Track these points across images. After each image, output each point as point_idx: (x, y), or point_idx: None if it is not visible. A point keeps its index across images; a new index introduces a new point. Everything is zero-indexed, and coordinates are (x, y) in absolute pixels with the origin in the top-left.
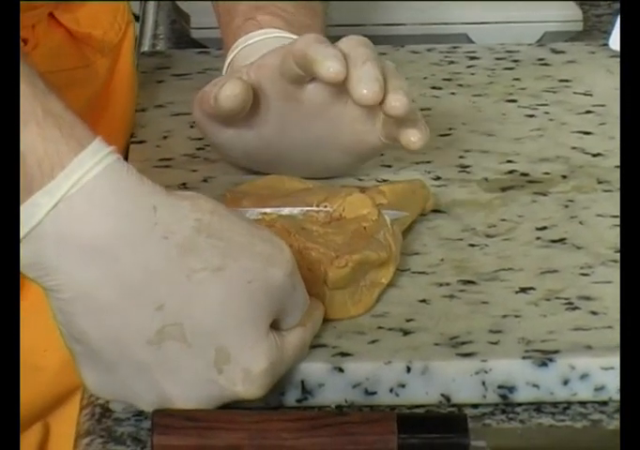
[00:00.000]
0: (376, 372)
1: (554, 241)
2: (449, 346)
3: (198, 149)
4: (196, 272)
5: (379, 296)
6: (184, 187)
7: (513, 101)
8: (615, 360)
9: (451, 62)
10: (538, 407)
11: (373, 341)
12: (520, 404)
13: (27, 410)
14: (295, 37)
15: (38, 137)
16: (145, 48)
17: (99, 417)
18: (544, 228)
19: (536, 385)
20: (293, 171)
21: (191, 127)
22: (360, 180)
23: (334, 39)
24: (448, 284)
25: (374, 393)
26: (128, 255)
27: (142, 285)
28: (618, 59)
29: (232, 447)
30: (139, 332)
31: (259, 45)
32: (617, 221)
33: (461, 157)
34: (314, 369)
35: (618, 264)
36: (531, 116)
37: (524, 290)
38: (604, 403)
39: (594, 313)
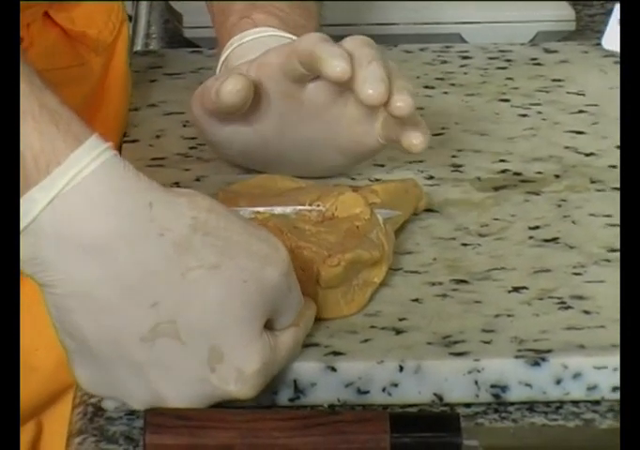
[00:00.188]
0: (369, 371)
1: (546, 240)
2: (442, 345)
3: (191, 148)
4: (191, 270)
5: (372, 295)
6: (176, 186)
7: (506, 101)
8: (607, 359)
9: (444, 61)
10: (530, 406)
11: (366, 340)
12: (512, 403)
13: (21, 408)
14: (289, 35)
15: (35, 132)
16: (138, 47)
17: (91, 416)
18: (537, 227)
19: (528, 385)
20: (290, 170)
21: (184, 126)
22: (353, 179)
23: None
24: (440, 283)
25: (367, 392)
26: (123, 252)
27: (137, 282)
28: (611, 59)
29: (224, 446)
30: (133, 329)
31: (254, 43)
32: (610, 221)
33: (453, 156)
34: (307, 369)
35: (611, 264)
36: (524, 116)
37: (516, 289)
38: (597, 402)
39: (587, 312)
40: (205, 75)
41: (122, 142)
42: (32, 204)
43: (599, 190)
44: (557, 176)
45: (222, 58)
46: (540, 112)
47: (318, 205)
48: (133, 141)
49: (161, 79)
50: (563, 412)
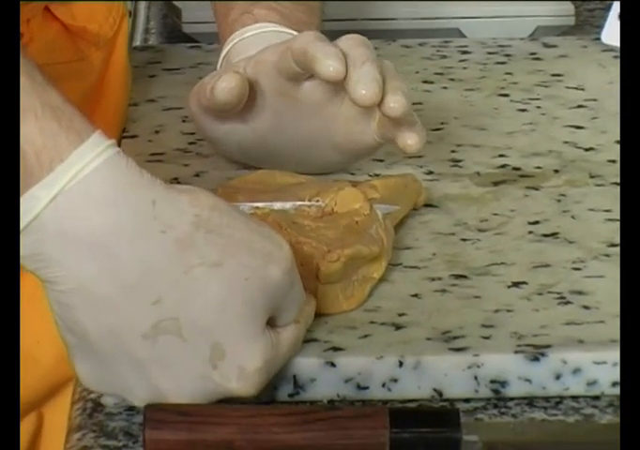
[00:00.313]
0: (368, 367)
1: (546, 235)
2: (442, 340)
3: (190, 144)
4: (193, 267)
5: (371, 291)
6: (175, 181)
7: (505, 96)
8: (607, 354)
9: (443, 56)
10: (530, 401)
11: (365, 336)
12: (512, 399)
13: (21, 400)
14: (291, 31)
15: (37, 129)
16: (137, 42)
17: (90, 412)
18: (536, 222)
19: (528, 380)
20: (287, 166)
21: (183, 121)
22: (352, 174)
23: (327, 33)
24: (440, 279)
25: (367, 387)
26: (125, 249)
27: (139, 279)
28: (611, 53)
29: (224, 442)
30: (135, 326)
31: (255, 39)
32: (610, 215)
33: (453, 151)
34: (306, 364)
35: (610, 259)
36: (523, 111)
37: (516, 284)
38: (597, 398)
39: (586, 308)
40: (204, 70)
41: (121, 138)
42: (35, 201)
43: (598, 185)
44: (557, 171)
45: (223, 53)
46: (539, 107)
47: (317, 201)
48: (132, 136)
49: (160, 74)
50: (563, 407)
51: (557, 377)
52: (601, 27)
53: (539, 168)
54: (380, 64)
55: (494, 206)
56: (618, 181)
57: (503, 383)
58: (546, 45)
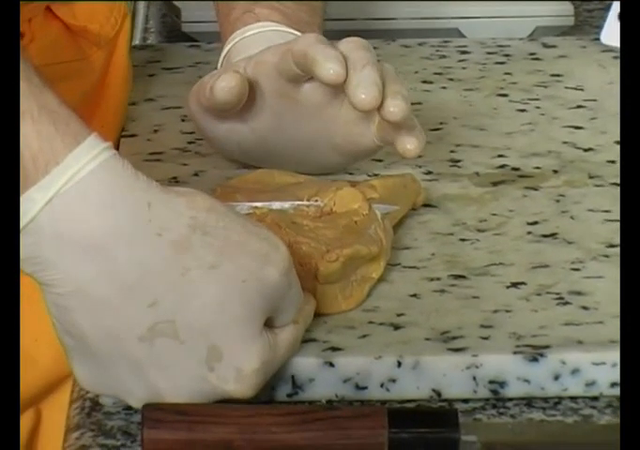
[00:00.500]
0: (367, 367)
1: (545, 236)
2: (440, 341)
3: (189, 143)
4: (190, 270)
5: (370, 291)
6: (175, 181)
7: (504, 96)
8: (606, 355)
9: (442, 56)
10: (529, 402)
11: (364, 336)
12: (511, 399)
13: (20, 397)
14: (292, 31)
15: (33, 133)
16: (136, 42)
17: (89, 411)
18: (535, 223)
19: (527, 380)
20: (287, 166)
21: (183, 120)
22: (351, 174)
23: (328, 33)
24: (438, 279)
25: (365, 388)
26: (122, 252)
27: (135, 281)
28: (610, 54)
29: (222, 441)
30: (131, 328)
31: (256, 37)
32: (609, 216)
33: (452, 151)
34: (305, 364)
35: (609, 259)
36: (522, 111)
37: (515, 285)
38: (595, 398)
39: (585, 308)
40: (203, 70)
41: (120, 136)
42: (31, 204)
43: (597, 186)
44: (556, 171)
45: (224, 52)
46: (538, 107)
47: (316, 200)
48: (131, 135)
49: (160, 73)
50: (561, 407)
51: (556, 377)
52: (600, 27)
53: (538, 168)
54: (380, 67)
55: (493, 206)
56: (618, 181)
57: (502, 384)
58: (545, 45)
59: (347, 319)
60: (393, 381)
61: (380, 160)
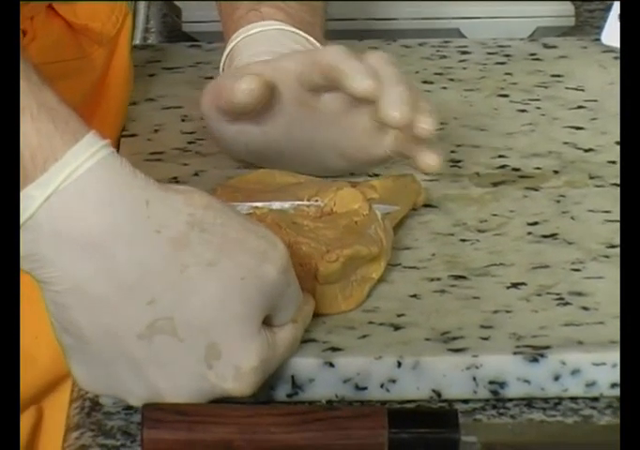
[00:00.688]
0: (367, 367)
1: (545, 236)
2: (440, 341)
3: (189, 143)
4: (188, 267)
5: (370, 291)
6: (175, 180)
7: (505, 96)
8: (606, 356)
9: (443, 56)
10: (529, 402)
11: (364, 336)
12: (511, 399)
13: (21, 395)
14: (295, 30)
15: (32, 130)
16: (137, 41)
17: (88, 411)
18: (536, 223)
19: (527, 381)
20: (290, 168)
21: (183, 120)
22: (351, 174)
23: (327, 33)
24: (439, 279)
25: (365, 388)
26: (120, 249)
27: (133, 279)
28: (611, 54)
29: (222, 441)
30: (130, 326)
31: (259, 36)
32: (609, 217)
33: (452, 151)
34: (305, 364)
35: (610, 260)
36: (523, 111)
37: (515, 285)
38: (595, 399)
39: (585, 309)
40: (203, 69)
41: (121, 136)
42: (29, 201)
43: (598, 186)
44: (556, 172)
45: (228, 50)
46: (539, 108)
47: (317, 201)
48: (132, 135)
49: (160, 73)
50: (561, 408)
51: (556, 378)
52: (601, 28)
53: (538, 169)
54: (409, 84)
55: (493, 207)
56: (618, 182)
57: (502, 384)
58: (546, 46)
59: (347, 319)
60: (393, 381)
61: None
